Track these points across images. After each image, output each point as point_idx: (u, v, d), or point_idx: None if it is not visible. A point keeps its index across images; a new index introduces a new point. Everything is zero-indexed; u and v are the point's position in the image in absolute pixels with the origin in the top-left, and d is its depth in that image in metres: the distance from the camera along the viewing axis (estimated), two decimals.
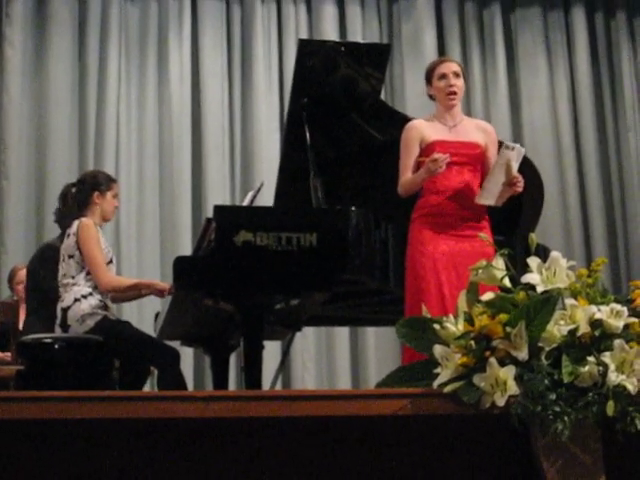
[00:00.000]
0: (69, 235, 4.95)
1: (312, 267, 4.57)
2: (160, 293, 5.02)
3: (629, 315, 3.11)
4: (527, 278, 3.21)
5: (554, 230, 8.81)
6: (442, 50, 9.26)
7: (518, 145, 4.66)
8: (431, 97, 4.93)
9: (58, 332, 4.84)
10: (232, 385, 6.98)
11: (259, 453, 3.08)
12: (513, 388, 2.94)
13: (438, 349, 3.12)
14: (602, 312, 3.07)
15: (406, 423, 3.08)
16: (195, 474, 3.04)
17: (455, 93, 4.82)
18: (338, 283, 4.66)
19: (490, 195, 4.65)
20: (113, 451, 3.03)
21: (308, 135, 5.26)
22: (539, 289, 3.16)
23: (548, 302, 3.06)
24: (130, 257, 8.20)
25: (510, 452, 3.11)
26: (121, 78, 8.58)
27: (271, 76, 8.89)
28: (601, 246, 8.98)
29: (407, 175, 4.74)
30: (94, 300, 4.84)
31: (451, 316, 3.20)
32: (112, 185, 5.14)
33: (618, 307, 3.10)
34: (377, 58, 5.45)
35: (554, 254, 3.26)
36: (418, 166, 4.75)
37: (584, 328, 3.05)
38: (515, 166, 4.60)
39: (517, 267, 3.31)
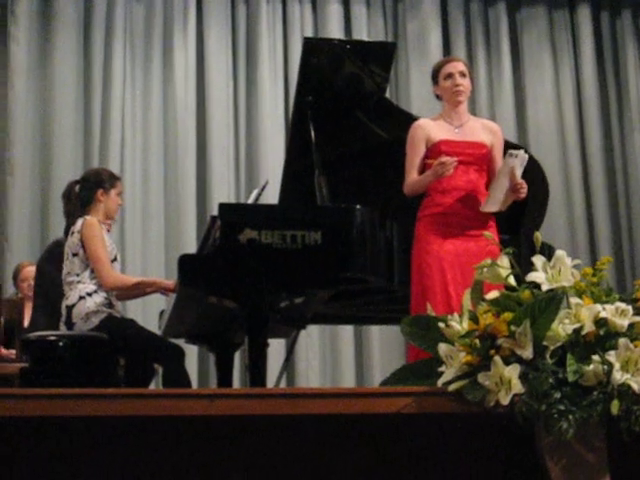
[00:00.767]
0: (73, 233, 4.95)
1: (317, 265, 4.57)
2: (165, 291, 5.03)
3: (634, 314, 3.10)
4: (532, 277, 3.21)
5: (559, 228, 8.81)
6: (447, 49, 9.26)
7: (522, 151, 4.67)
8: (438, 97, 4.94)
9: (63, 330, 4.84)
10: (236, 383, 6.98)
11: (263, 451, 3.08)
12: (517, 387, 2.94)
13: (443, 347, 3.12)
14: (607, 311, 3.07)
15: (410, 421, 3.08)
16: (200, 471, 3.05)
17: (461, 91, 4.82)
18: (342, 281, 4.66)
19: (495, 202, 4.66)
20: (118, 448, 3.03)
21: (313, 133, 5.26)
22: (544, 288, 3.16)
23: (553, 301, 3.06)
24: (135, 255, 8.20)
25: (514, 451, 3.11)
26: (126, 76, 8.59)
27: (276, 75, 8.89)
28: (606, 245, 8.98)
29: (413, 175, 4.75)
30: (99, 298, 4.84)
31: (456, 315, 3.20)
32: (116, 183, 5.14)
33: (623, 306, 3.10)
34: (382, 56, 5.45)
35: (559, 253, 3.26)
36: (424, 166, 4.75)
37: (589, 327, 3.05)
38: (519, 172, 4.61)
39: (522, 266, 3.31)
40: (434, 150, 4.74)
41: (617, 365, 2.97)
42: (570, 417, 2.89)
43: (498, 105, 9.27)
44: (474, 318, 3.13)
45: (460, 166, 4.71)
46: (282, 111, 8.82)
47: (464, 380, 3.03)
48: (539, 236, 3.52)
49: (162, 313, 5.87)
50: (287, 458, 3.09)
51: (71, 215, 5.07)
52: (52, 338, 4.80)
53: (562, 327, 3.06)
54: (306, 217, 4.68)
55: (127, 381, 4.97)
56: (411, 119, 5.05)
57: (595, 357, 3.00)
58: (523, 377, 2.96)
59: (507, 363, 2.98)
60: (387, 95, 5.78)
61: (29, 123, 8.31)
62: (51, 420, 2.96)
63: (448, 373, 3.08)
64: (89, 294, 4.83)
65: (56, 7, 8.49)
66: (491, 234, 4.13)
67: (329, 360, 8.49)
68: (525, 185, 4.64)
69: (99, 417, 2.95)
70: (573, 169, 9.16)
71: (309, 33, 8.87)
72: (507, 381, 2.96)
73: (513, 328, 3.03)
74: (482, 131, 4.88)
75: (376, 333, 8.43)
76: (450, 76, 4.82)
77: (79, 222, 4.94)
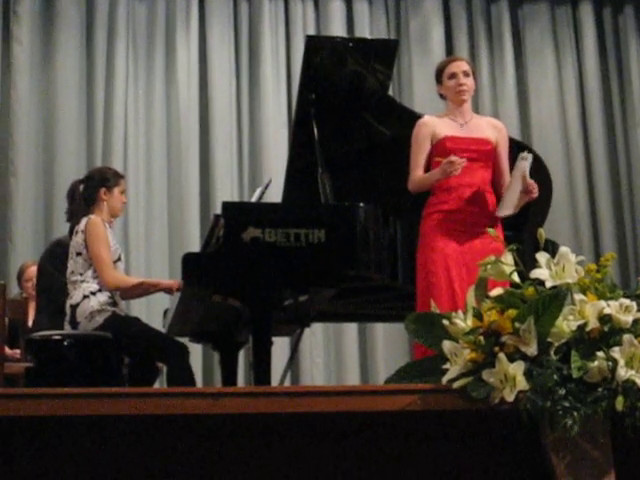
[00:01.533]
0: (77, 232, 4.95)
1: (320, 263, 4.57)
2: (168, 291, 5.03)
3: (638, 310, 3.10)
4: (536, 273, 3.20)
5: (562, 225, 8.81)
6: (450, 46, 9.26)
7: (526, 153, 4.68)
8: (442, 96, 4.95)
9: (67, 329, 4.85)
10: (241, 381, 6.98)
11: (268, 449, 3.08)
12: (522, 383, 2.94)
13: (447, 345, 3.12)
14: (611, 307, 3.07)
15: (415, 419, 3.08)
16: (204, 470, 3.05)
17: (465, 90, 4.83)
18: (346, 279, 4.66)
19: (510, 205, 4.67)
20: (122, 448, 3.03)
21: (316, 131, 5.26)
22: (548, 284, 3.16)
23: (557, 297, 3.05)
24: (138, 254, 8.21)
25: (519, 448, 3.11)
26: (129, 75, 8.60)
27: (279, 73, 8.89)
28: (609, 241, 8.97)
29: (418, 172, 4.75)
30: (103, 297, 4.84)
31: (460, 312, 3.20)
32: (119, 181, 5.14)
33: (627, 302, 3.10)
34: (385, 54, 5.45)
35: (563, 249, 3.26)
36: (429, 163, 4.76)
37: (593, 323, 3.05)
38: (528, 173, 4.62)
39: (526, 263, 3.31)
40: (439, 146, 4.75)
41: (622, 361, 2.97)
42: (575, 414, 2.89)
43: (501, 101, 9.26)
44: (478, 315, 3.13)
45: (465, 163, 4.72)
46: (285, 109, 8.82)
47: (468, 377, 3.03)
48: (543, 233, 3.52)
49: (166, 312, 5.88)
50: (292, 456, 3.09)
51: (75, 214, 5.07)
52: (56, 338, 4.80)
53: (566, 324, 3.06)
54: (310, 215, 4.68)
55: (131, 380, 4.98)
56: (414, 116, 5.05)
57: (599, 353, 3.00)
58: (527, 374, 2.96)
59: (511, 360, 2.98)
60: (390, 92, 5.78)
61: (32, 123, 8.32)
62: (56, 419, 2.96)
63: (452, 370, 3.08)
64: (93, 293, 4.83)
65: (58, 7, 8.50)
66: (494, 230, 4.13)
67: (333, 358, 8.49)
68: (536, 185, 4.65)
69: (104, 416, 2.95)
70: (576, 165, 9.16)
71: (311, 31, 8.87)
72: (512, 378, 2.96)
73: (517, 325, 3.03)
74: (487, 128, 4.90)
75: (380, 331, 8.43)
76: (454, 76, 4.84)
77: (83, 221, 4.95)
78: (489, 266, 3.30)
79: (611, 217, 9.11)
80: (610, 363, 2.97)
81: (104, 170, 5.30)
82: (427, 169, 4.77)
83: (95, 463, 3.02)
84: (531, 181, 4.64)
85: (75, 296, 4.85)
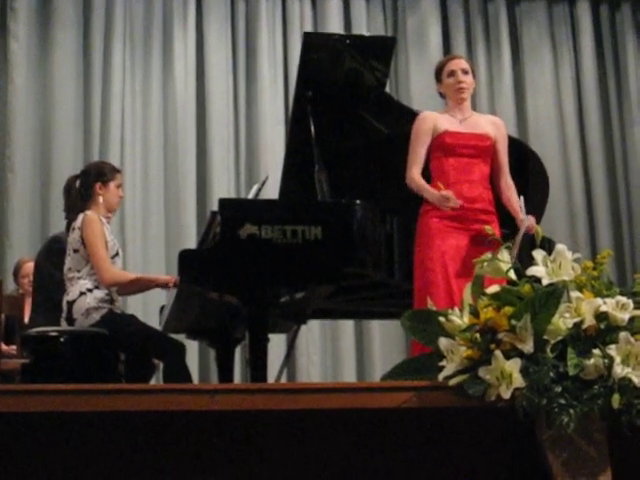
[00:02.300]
0: (74, 229, 4.95)
1: (317, 260, 4.57)
2: (165, 286, 5.03)
3: (634, 308, 3.11)
4: (532, 271, 3.21)
5: (559, 222, 8.81)
6: (447, 43, 9.26)
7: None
8: (441, 95, 4.96)
9: (64, 325, 4.84)
10: (237, 378, 6.99)
11: (264, 446, 3.08)
12: (518, 381, 2.94)
13: (443, 342, 3.12)
14: (607, 305, 3.07)
15: (411, 416, 3.08)
16: (201, 466, 3.05)
17: (464, 88, 4.84)
18: (343, 276, 4.66)
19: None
20: (119, 444, 3.03)
21: (313, 128, 5.26)
22: (544, 282, 3.16)
23: (553, 295, 3.06)
24: (135, 250, 8.20)
25: (515, 445, 3.11)
26: (126, 72, 8.59)
27: (276, 69, 8.88)
28: (606, 238, 8.98)
29: (416, 167, 4.75)
30: (100, 293, 4.84)
31: (456, 309, 3.20)
32: (115, 175, 5.13)
33: (623, 300, 3.10)
34: (382, 51, 5.45)
35: (559, 247, 3.26)
36: (428, 157, 4.77)
37: (589, 321, 3.05)
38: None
39: (523, 260, 3.31)
40: (438, 141, 4.75)
41: (618, 359, 2.98)
42: (571, 411, 2.89)
43: (498, 99, 9.27)
44: (475, 312, 3.13)
45: (464, 159, 4.74)
46: (282, 106, 8.81)
47: (465, 374, 3.03)
48: (539, 230, 3.52)
49: (163, 309, 5.87)
50: (288, 453, 3.09)
51: (72, 210, 5.07)
52: (52, 334, 4.80)
53: (563, 321, 3.06)
54: (306, 212, 4.68)
55: (127, 376, 4.97)
56: (411, 114, 5.05)
57: (596, 351, 3.00)
58: (524, 371, 2.96)
59: (508, 357, 2.99)
60: (387, 90, 5.78)
61: (29, 120, 8.30)
62: (52, 416, 2.96)
63: (449, 367, 3.09)
64: (90, 290, 4.83)
65: (55, 3, 8.48)
66: (491, 228, 4.13)
67: (330, 355, 8.49)
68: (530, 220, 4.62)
69: (100, 412, 2.96)
70: (573, 162, 9.16)
71: (309, 28, 8.86)
72: (508, 375, 2.96)
73: (514, 322, 3.04)
74: (486, 124, 4.90)
75: (377, 328, 8.44)
76: (452, 74, 4.84)
77: (79, 218, 4.94)
78: (486, 263, 3.30)
79: (608, 214, 9.11)
80: (606, 361, 2.98)
81: (100, 165, 5.30)
82: (426, 163, 4.78)
83: (91, 459, 3.02)
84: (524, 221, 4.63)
85: (72, 292, 4.84)
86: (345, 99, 5.47)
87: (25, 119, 8.27)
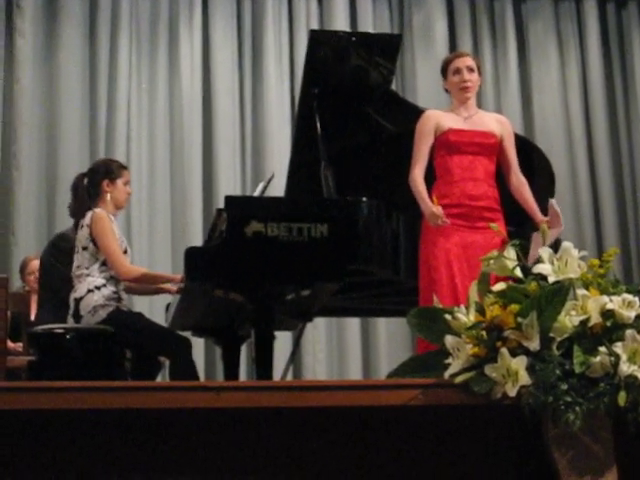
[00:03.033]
0: (82, 226, 4.95)
1: (323, 258, 4.57)
2: (172, 291, 5.10)
3: None
4: (539, 268, 3.21)
5: (565, 220, 8.67)
6: (453, 40, 9.26)
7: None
8: (447, 91, 4.95)
9: (71, 323, 4.85)
10: (243, 376, 6.99)
11: (270, 443, 3.09)
12: (524, 378, 2.94)
13: (449, 339, 3.12)
14: (614, 302, 3.07)
15: (417, 413, 3.08)
16: (207, 463, 3.05)
17: (469, 87, 4.83)
18: (349, 274, 4.66)
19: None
20: (124, 441, 3.04)
21: (319, 125, 5.26)
22: (551, 279, 3.16)
23: (560, 292, 3.06)
24: (141, 248, 8.21)
25: (521, 443, 3.11)
26: (132, 69, 8.59)
27: (282, 67, 8.88)
28: (612, 236, 8.97)
29: (419, 167, 4.74)
30: (107, 291, 4.84)
31: (462, 306, 3.20)
32: (123, 172, 5.13)
33: (630, 297, 3.10)
34: (388, 48, 5.45)
35: (565, 244, 3.26)
36: (432, 156, 4.77)
37: (596, 318, 3.05)
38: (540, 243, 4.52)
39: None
40: (442, 139, 4.75)
41: (624, 357, 2.98)
42: (577, 409, 2.89)
43: (504, 97, 9.26)
44: (481, 310, 3.13)
45: (468, 156, 4.73)
46: (288, 103, 8.81)
47: (471, 372, 3.03)
48: (546, 228, 3.52)
49: (169, 306, 5.88)
50: (294, 450, 3.10)
51: (80, 208, 5.07)
52: (59, 331, 4.81)
53: (569, 319, 3.06)
54: (312, 210, 4.68)
55: (134, 374, 4.98)
56: (417, 111, 5.05)
57: (602, 349, 3.00)
58: (530, 369, 2.96)
59: (514, 355, 2.99)
60: (393, 87, 5.77)
61: (35, 117, 8.31)
62: (58, 413, 2.96)
63: (455, 365, 3.09)
64: (97, 287, 4.83)
65: (62, 1, 8.49)
66: (497, 225, 4.12)
67: (335, 352, 8.50)
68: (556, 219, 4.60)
69: (106, 410, 2.96)
70: (579, 160, 9.16)
71: (315, 26, 8.86)
72: (514, 373, 2.96)
73: (520, 320, 3.04)
74: (491, 122, 4.89)
75: (383, 325, 8.44)
76: (458, 71, 4.84)
77: (88, 215, 4.94)
78: (492, 261, 3.30)
79: (614, 212, 9.10)
80: (612, 358, 2.98)
81: (107, 162, 5.31)
82: (430, 162, 4.78)
83: (97, 456, 3.03)
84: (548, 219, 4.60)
85: (79, 290, 4.85)
86: (351, 96, 5.47)
87: (31, 116, 8.28)
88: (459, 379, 3.03)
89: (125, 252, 4.99)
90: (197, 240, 7.78)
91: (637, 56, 9.35)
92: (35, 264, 6.42)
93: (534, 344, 3.00)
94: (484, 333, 3.07)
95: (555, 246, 3.43)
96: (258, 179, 7.92)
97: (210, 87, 8.77)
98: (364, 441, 3.13)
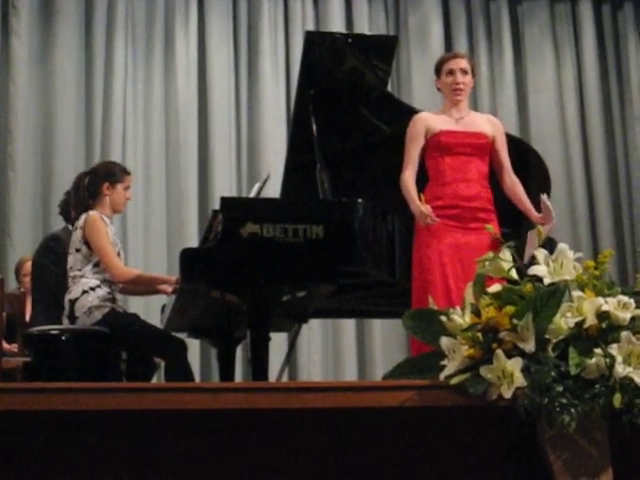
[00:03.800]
0: (77, 228, 4.95)
1: (319, 259, 4.57)
2: (167, 292, 5.10)
3: (636, 307, 3.11)
4: (534, 270, 3.21)
5: (560, 221, 8.73)
6: (449, 42, 9.26)
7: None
8: (439, 89, 4.95)
9: (66, 324, 4.85)
10: (239, 377, 6.99)
11: (265, 444, 3.09)
12: (520, 380, 2.94)
13: (445, 341, 3.12)
14: (609, 304, 3.07)
15: (413, 415, 3.08)
16: (202, 465, 3.05)
17: (461, 90, 4.83)
18: (344, 275, 4.66)
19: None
20: (120, 442, 3.04)
21: (315, 127, 5.26)
22: (546, 281, 3.17)
23: (555, 294, 3.06)
24: (137, 249, 8.20)
25: (517, 444, 3.11)
26: (127, 70, 8.58)
27: (278, 68, 8.88)
28: (608, 238, 8.97)
29: (410, 168, 4.75)
30: (102, 292, 4.84)
31: (458, 308, 3.20)
32: (124, 177, 5.12)
33: (625, 299, 3.10)
34: (384, 50, 5.45)
35: (561, 246, 3.27)
36: (423, 158, 4.77)
37: (591, 320, 3.05)
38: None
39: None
40: (434, 141, 4.76)
41: (619, 358, 2.98)
42: (572, 410, 2.89)
43: (500, 98, 9.26)
44: (476, 311, 3.13)
45: (460, 158, 4.73)
46: (284, 105, 8.81)
47: (466, 373, 3.03)
48: (541, 229, 3.52)
49: (164, 307, 5.87)
50: (289, 451, 3.09)
51: (78, 206, 5.05)
52: (54, 332, 4.80)
53: (564, 320, 3.06)
54: (308, 211, 4.68)
55: (129, 375, 4.98)
56: (413, 112, 5.05)
57: (597, 350, 3.00)
58: (525, 370, 2.96)
59: (509, 356, 2.99)
60: (389, 89, 5.77)
61: (31, 118, 8.30)
62: (53, 414, 2.96)
63: (450, 366, 3.09)
64: (92, 288, 4.83)
65: (57, 1, 8.48)
66: (492, 227, 4.13)
67: (331, 354, 8.49)
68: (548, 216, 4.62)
69: (101, 411, 2.96)
70: (575, 161, 9.16)
71: (310, 27, 8.85)
72: (509, 374, 2.96)
73: (515, 321, 3.04)
74: (482, 123, 4.90)
75: (378, 327, 8.43)
76: (451, 73, 4.84)
77: (82, 218, 4.94)
78: (487, 262, 3.30)
79: (609, 213, 9.10)
80: (608, 360, 2.98)
81: (110, 165, 5.28)
82: (422, 164, 4.78)
83: (92, 458, 3.02)
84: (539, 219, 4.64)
85: (74, 291, 4.85)
86: (347, 98, 5.47)
87: (27, 117, 8.27)
88: (454, 381, 3.03)
89: (118, 255, 4.98)
90: (193, 241, 7.78)
91: (632, 57, 9.36)
92: (30, 265, 6.42)
93: (529, 346, 3.00)
94: (479, 335, 3.07)
95: (550, 247, 3.43)
96: (254, 180, 7.92)
97: (206, 88, 8.76)
98: (359, 442, 3.13)
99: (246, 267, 4.53)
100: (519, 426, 2.99)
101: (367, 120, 5.52)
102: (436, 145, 4.75)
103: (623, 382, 2.95)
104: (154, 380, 5.54)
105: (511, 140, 5.09)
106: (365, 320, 8.42)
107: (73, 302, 4.82)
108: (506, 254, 3.31)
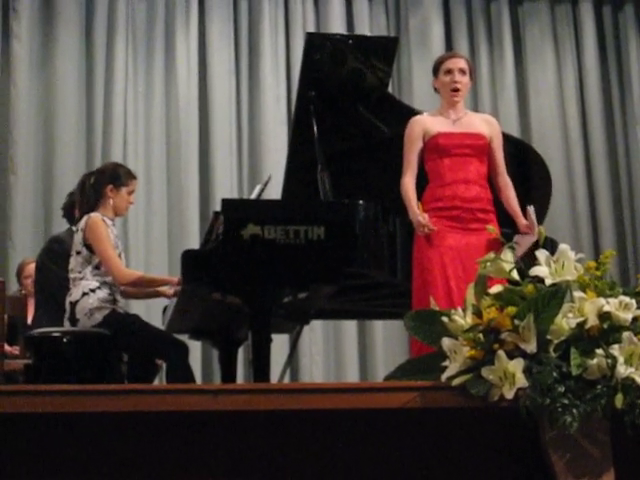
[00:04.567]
0: (78, 230, 4.95)
1: (320, 260, 4.57)
2: (169, 294, 5.10)
3: (638, 307, 3.11)
4: (535, 271, 3.21)
5: (562, 222, 8.80)
6: (449, 43, 9.26)
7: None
8: (436, 90, 4.94)
9: (67, 326, 4.84)
10: (240, 378, 6.98)
11: (267, 446, 3.08)
12: (521, 381, 2.94)
13: (446, 342, 3.12)
14: (610, 305, 3.07)
15: (414, 416, 3.08)
16: (204, 466, 3.05)
17: (458, 90, 4.82)
18: (346, 276, 4.66)
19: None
20: (121, 444, 3.04)
21: (315, 128, 5.26)
22: (547, 282, 3.17)
23: (556, 295, 3.06)
24: (138, 251, 8.20)
25: (518, 445, 3.11)
26: (128, 72, 8.58)
27: (278, 70, 8.88)
28: (609, 238, 8.97)
29: (409, 174, 4.75)
30: (102, 294, 4.84)
31: (459, 309, 3.20)
32: (130, 181, 5.09)
33: (627, 300, 3.10)
34: (385, 51, 5.45)
35: (562, 246, 3.26)
36: (422, 160, 4.77)
37: (592, 321, 3.05)
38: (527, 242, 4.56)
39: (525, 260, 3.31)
40: (432, 143, 4.75)
41: (621, 359, 2.98)
42: (574, 411, 2.89)
43: (501, 99, 9.25)
44: (478, 312, 3.13)
45: (459, 159, 4.72)
46: (285, 106, 8.81)
47: (468, 374, 3.03)
48: (542, 230, 3.52)
49: (166, 309, 5.87)
50: (291, 453, 3.09)
51: (82, 207, 5.04)
52: (55, 334, 4.80)
53: (566, 321, 3.06)
54: (309, 212, 4.68)
55: (130, 377, 4.98)
56: (414, 114, 5.04)
57: (599, 351, 3.00)
58: (527, 371, 2.96)
59: (511, 357, 2.99)
60: (389, 90, 5.77)
61: (32, 121, 8.31)
62: (55, 416, 2.96)
63: (452, 367, 3.08)
64: (92, 290, 4.83)
65: (58, 4, 8.48)
66: (493, 227, 4.12)
67: (332, 355, 8.49)
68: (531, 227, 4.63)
69: (103, 413, 2.96)
70: (576, 163, 9.16)
71: (311, 28, 8.85)
72: (511, 375, 2.96)
73: (517, 322, 3.04)
74: (480, 123, 4.89)
75: (379, 328, 8.44)
76: (450, 72, 4.83)
77: (83, 220, 4.93)
78: (488, 263, 3.30)
79: (610, 214, 9.10)
80: (609, 360, 2.98)
81: (116, 167, 5.22)
82: (420, 166, 4.78)
83: (94, 459, 3.02)
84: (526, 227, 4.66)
85: (75, 293, 4.85)
86: (348, 99, 5.47)
87: (27, 120, 8.27)
88: (456, 381, 3.03)
89: (119, 257, 4.97)
90: (194, 243, 7.78)
91: (633, 58, 9.36)
92: (32, 267, 6.42)
93: (531, 346, 3.00)
94: (481, 335, 3.07)
95: (551, 248, 3.43)
96: (254, 181, 7.93)
97: (206, 90, 8.76)
98: (361, 444, 3.13)
99: (247, 268, 4.53)
100: (521, 427, 2.98)
101: (368, 121, 5.52)
102: (434, 147, 4.75)
103: (625, 383, 2.95)
104: (156, 382, 5.53)
105: (509, 140, 5.08)
106: (366, 321, 8.42)
107: (74, 304, 4.82)
108: (507, 254, 3.31)
